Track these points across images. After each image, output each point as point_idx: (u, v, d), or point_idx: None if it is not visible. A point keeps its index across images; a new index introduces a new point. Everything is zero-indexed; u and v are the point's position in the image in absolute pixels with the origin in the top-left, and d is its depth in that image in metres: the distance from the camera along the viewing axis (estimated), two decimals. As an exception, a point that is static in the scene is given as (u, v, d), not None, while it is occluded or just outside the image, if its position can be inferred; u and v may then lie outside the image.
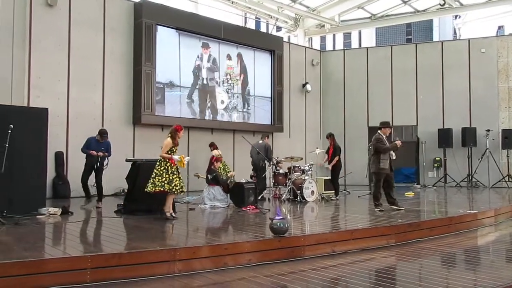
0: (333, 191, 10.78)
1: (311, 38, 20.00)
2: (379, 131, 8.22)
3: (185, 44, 13.04)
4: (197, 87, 13.25)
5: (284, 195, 9.98)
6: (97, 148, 8.61)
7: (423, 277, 4.65)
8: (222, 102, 14.04)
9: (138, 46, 11.92)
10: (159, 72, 12.30)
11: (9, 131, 6.55)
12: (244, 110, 14.57)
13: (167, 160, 6.84)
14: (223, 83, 14.08)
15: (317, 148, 12.23)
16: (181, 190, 6.91)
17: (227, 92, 14.17)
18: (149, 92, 11.85)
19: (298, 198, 9.70)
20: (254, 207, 8.17)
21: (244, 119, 14.52)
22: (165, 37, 12.51)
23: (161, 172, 6.81)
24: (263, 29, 25.14)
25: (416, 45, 16.90)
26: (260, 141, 10.63)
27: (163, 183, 6.76)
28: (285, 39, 17.28)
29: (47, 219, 6.82)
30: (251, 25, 20.62)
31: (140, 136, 11.87)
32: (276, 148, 14.68)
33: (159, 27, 12.29)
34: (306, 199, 9.71)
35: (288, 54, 16.06)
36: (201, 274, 4.46)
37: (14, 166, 6.77)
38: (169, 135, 6.98)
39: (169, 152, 6.87)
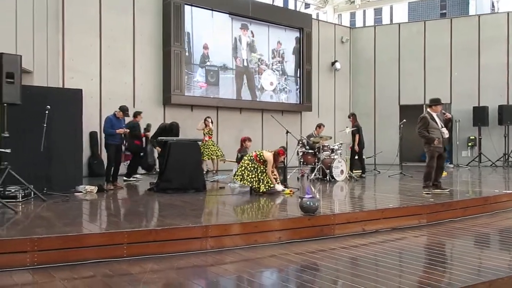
0: (360, 170, 10.90)
1: (341, 14, 19.56)
2: (428, 109, 7.60)
3: (218, 24, 13.06)
4: (234, 68, 13.35)
5: (312, 174, 9.97)
6: (119, 126, 8.21)
7: (455, 257, 4.61)
8: (272, 83, 14.20)
9: (167, 26, 11.99)
10: (213, 54, 12.79)
11: (47, 112, 6.80)
12: (281, 89, 14.61)
13: (257, 163, 7.38)
14: (271, 65, 14.28)
15: (346, 127, 12.09)
16: (267, 189, 7.40)
17: (276, 73, 14.35)
18: (178, 73, 11.96)
19: (327, 178, 9.68)
20: (283, 186, 8.21)
21: (280, 99, 14.53)
22: (199, 17, 12.55)
23: (252, 169, 7.34)
24: (291, 6, 24.74)
25: (451, 20, 16.27)
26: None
27: (252, 180, 7.35)
28: (314, 16, 16.97)
29: (84, 196, 7.09)
30: (279, 2, 20.33)
31: (170, 116, 12.04)
32: (305, 127, 14.63)
33: (188, 6, 12.31)
34: (335, 178, 9.68)
35: (317, 31, 15.79)
36: (232, 250, 4.57)
37: (52, 146, 7.05)
38: (273, 153, 7.44)
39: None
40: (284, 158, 7.93)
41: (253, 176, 7.38)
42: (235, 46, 13.40)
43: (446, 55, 15.54)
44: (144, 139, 9.83)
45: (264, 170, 7.42)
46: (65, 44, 10.58)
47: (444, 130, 7.48)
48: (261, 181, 7.42)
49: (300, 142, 10.41)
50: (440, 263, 4.27)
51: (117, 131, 8.10)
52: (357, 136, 10.82)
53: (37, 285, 3.52)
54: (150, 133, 9.77)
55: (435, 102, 7.62)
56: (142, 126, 9.89)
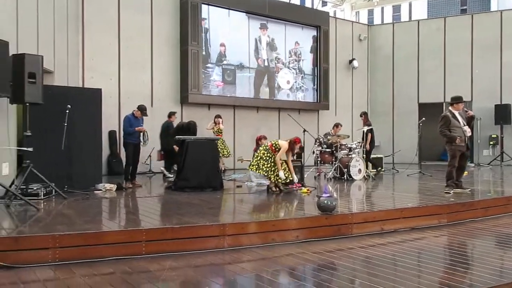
0: (375, 170, 10.92)
1: (358, 12, 19.40)
2: (450, 107, 7.47)
3: (234, 23, 13.10)
4: (251, 67, 13.42)
5: (330, 173, 9.91)
6: (137, 124, 8.28)
7: (476, 257, 4.53)
8: (288, 82, 14.20)
9: (184, 25, 12.07)
10: (229, 53, 12.86)
11: (67, 111, 6.92)
12: (298, 87, 14.57)
13: (272, 152, 7.38)
14: (288, 63, 14.29)
15: (365, 126, 11.99)
16: (278, 180, 7.45)
17: (292, 71, 14.37)
18: (195, 72, 12.03)
19: (345, 177, 9.61)
20: (301, 185, 8.19)
21: (296, 97, 14.50)
22: (215, 16, 12.61)
23: (267, 158, 7.36)
24: (308, 4, 24.61)
25: (472, 16, 15.95)
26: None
27: (268, 169, 7.36)
28: (331, 14, 16.85)
29: (104, 194, 7.19)
30: (296, 1, 20.27)
31: (187, 115, 12.12)
32: (322, 126, 14.56)
33: (205, 6, 12.37)
34: (353, 177, 9.60)
35: (334, 29, 15.68)
36: (249, 249, 4.57)
37: (72, 145, 7.17)
38: (289, 142, 7.44)
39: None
40: (300, 147, 7.82)
41: (268, 165, 7.39)
42: (256, 46, 13.44)
43: (466, 52, 15.25)
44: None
45: (269, 151, 7.40)
46: (85, 44, 10.75)
47: (466, 128, 7.34)
48: (274, 171, 7.41)
49: (317, 141, 10.36)
50: (461, 263, 4.20)
51: (136, 129, 8.18)
52: (369, 135, 10.81)
53: (58, 281, 3.59)
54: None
55: (456, 100, 7.47)
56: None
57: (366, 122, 11.18)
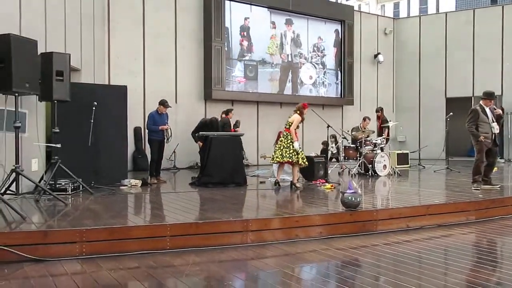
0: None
1: (384, 5, 19.10)
2: (481, 101, 7.33)
3: (257, 18, 13.09)
4: (276, 63, 13.39)
5: (354, 169, 9.80)
6: (161, 122, 8.31)
7: (505, 255, 4.40)
8: (311, 77, 14.12)
9: (207, 22, 12.12)
10: (255, 48, 12.90)
11: (94, 108, 7.06)
12: (320, 83, 14.48)
13: (289, 133, 7.42)
14: (310, 58, 14.20)
15: (390, 121, 11.80)
16: (304, 162, 7.49)
17: (315, 66, 14.27)
18: (219, 68, 12.07)
19: (370, 172, 9.49)
20: (324, 181, 8.14)
21: (319, 93, 14.40)
22: (238, 11, 12.62)
23: (288, 145, 7.38)
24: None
25: (502, 7, 15.43)
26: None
27: (291, 155, 7.34)
28: (356, 7, 16.60)
29: (129, 190, 7.31)
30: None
31: (211, 111, 12.18)
32: (346, 121, 14.40)
33: (228, 2, 12.39)
34: (378, 173, 9.47)
35: (359, 23, 15.45)
36: (273, 245, 4.57)
37: (99, 141, 7.32)
38: (298, 111, 7.52)
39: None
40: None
41: (291, 151, 7.37)
42: (281, 42, 13.40)
43: (497, 44, 14.78)
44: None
45: (287, 137, 7.42)
46: (111, 42, 10.93)
47: (495, 125, 7.20)
48: (298, 153, 7.41)
49: (332, 137, 10.32)
50: (489, 261, 4.09)
51: (160, 127, 8.25)
52: (386, 131, 10.71)
53: (85, 274, 3.67)
54: (240, 129, 10.48)
55: (488, 95, 7.36)
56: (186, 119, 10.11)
57: (383, 118, 11.01)
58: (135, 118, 10.87)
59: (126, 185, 7.56)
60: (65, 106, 6.58)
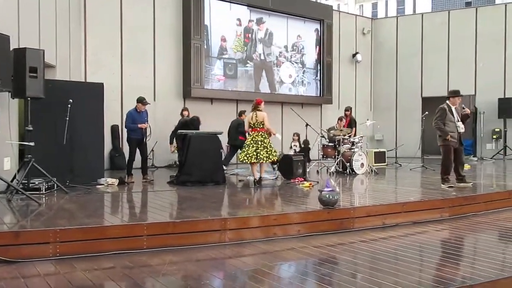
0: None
1: (362, 5, 19.33)
2: (447, 101, 7.35)
3: (239, 16, 13.04)
4: (251, 61, 13.34)
5: (332, 168, 9.89)
6: (140, 120, 8.12)
7: (477, 251, 4.51)
8: (290, 76, 14.17)
9: (187, 19, 12.02)
10: (230, 46, 12.81)
11: (69, 106, 6.92)
12: (300, 81, 14.54)
13: (266, 132, 7.71)
14: (290, 57, 14.22)
15: (367, 119, 11.98)
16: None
17: (293, 65, 14.30)
18: (198, 66, 11.99)
19: (347, 171, 9.60)
20: (303, 179, 8.18)
21: (298, 91, 14.46)
22: (217, 9, 12.55)
23: (269, 143, 7.66)
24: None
25: (476, 9, 15.80)
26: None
27: (275, 153, 7.70)
28: (335, 7, 16.73)
29: (106, 189, 7.20)
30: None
31: (190, 109, 12.05)
32: (325, 120, 14.51)
33: (206, -1, 12.32)
34: (356, 171, 9.58)
35: (337, 23, 15.58)
36: (251, 243, 4.57)
37: (74, 139, 7.18)
38: (259, 109, 7.73)
39: None
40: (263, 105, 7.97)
41: (273, 150, 7.64)
42: (252, 41, 13.33)
43: (470, 46, 15.13)
44: (247, 134, 10.31)
45: (265, 137, 7.67)
46: (87, 38, 10.72)
47: (460, 124, 7.26)
48: (270, 149, 7.65)
49: (296, 135, 10.45)
50: (462, 257, 4.19)
51: (139, 126, 8.06)
52: (354, 130, 10.94)
53: (59, 275, 3.60)
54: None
55: (454, 93, 7.39)
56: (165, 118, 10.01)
57: (351, 118, 11.23)
58: (112, 116, 10.69)
59: (103, 184, 7.44)
60: (39, 103, 6.42)
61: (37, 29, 7.76)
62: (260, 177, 7.78)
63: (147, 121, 8.33)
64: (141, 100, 8.22)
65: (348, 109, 11.64)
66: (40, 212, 5.09)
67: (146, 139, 8.29)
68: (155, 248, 4.23)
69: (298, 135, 10.60)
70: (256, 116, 7.66)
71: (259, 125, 7.63)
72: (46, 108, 6.75)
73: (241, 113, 10.79)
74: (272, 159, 7.77)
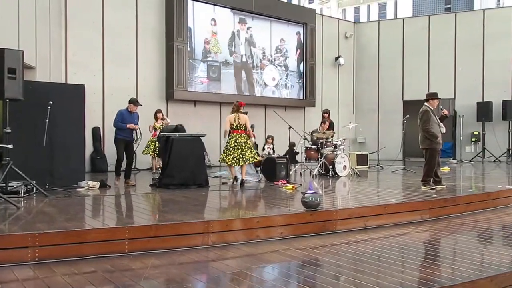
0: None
1: (345, 9, 19.54)
2: (425, 103, 7.39)
3: (220, 19, 13.02)
4: (232, 63, 13.31)
5: (315, 170, 9.95)
6: (131, 121, 8.08)
7: (457, 252, 4.58)
8: (274, 79, 14.20)
9: (170, 21, 11.96)
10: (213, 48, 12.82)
11: (49, 107, 6.80)
12: (283, 84, 14.59)
13: (247, 134, 8.00)
14: (273, 60, 14.26)
15: (350, 122, 12.09)
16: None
17: (277, 68, 14.36)
18: (181, 68, 11.94)
19: (330, 173, 9.66)
20: (286, 182, 8.21)
21: (282, 94, 14.52)
22: (200, 11, 12.52)
23: (252, 145, 7.97)
24: (295, 1, 24.62)
25: (455, 15, 16.15)
26: None
27: (253, 154, 7.93)
28: (318, 11, 16.88)
29: (87, 192, 7.09)
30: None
31: (173, 111, 12.04)
32: (308, 123, 14.60)
33: (191, 1, 12.27)
34: (338, 174, 9.66)
35: (320, 26, 15.72)
36: (234, 246, 4.56)
37: (54, 141, 7.05)
38: (242, 111, 7.99)
39: None
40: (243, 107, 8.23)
41: (255, 151, 7.92)
42: (233, 41, 13.33)
43: (450, 50, 15.44)
44: (227, 135, 10.44)
45: (247, 138, 7.93)
46: (68, 39, 10.58)
47: (442, 125, 7.39)
48: (253, 150, 7.96)
49: (270, 138, 10.56)
50: (442, 258, 4.26)
51: (128, 126, 7.97)
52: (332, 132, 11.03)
53: (38, 280, 3.52)
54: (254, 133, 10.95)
55: (432, 96, 7.46)
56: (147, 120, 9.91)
57: (330, 121, 11.15)
58: (94, 118, 10.57)
59: (84, 187, 7.32)
60: (18, 105, 6.30)
61: (16, 29, 7.61)
62: (243, 179, 7.81)
63: (137, 123, 8.28)
64: (133, 101, 8.19)
65: (326, 111, 11.67)
66: (18, 216, 4.98)
67: (135, 141, 8.22)
68: (137, 252, 4.18)
69: (272, 138, 10.62)
70: (238, 118, 7.82)
71: (242, 127, 7.83)
72: (25, 110, 6.62)
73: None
74: (257, 158, 8.01)
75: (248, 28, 13.61)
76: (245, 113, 8.28)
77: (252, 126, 11.27)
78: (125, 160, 8.26)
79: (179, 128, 8.81)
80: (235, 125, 7.81)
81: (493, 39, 14.93)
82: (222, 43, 13.04)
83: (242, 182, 7.78)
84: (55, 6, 9.95)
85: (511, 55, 14.71)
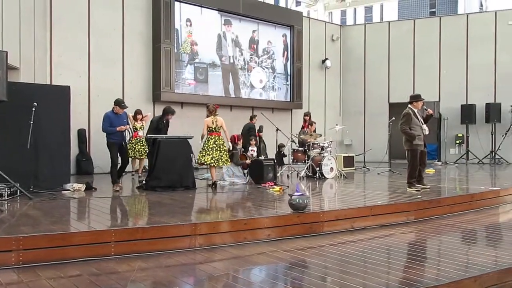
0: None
1: (331, 12, 19.67)
2: (409, 105, 7.48)
3: (207, 20, 13.00)
4: (219, 64, 13.29)
5: (302, 172, 9.99)
6: (119, 122, 7.66)
7: (442, 253, 4.65)
8: (261, 81, 14.23)
9: (156, 23, 11.91)
10: (201, 50, 12.85)
11: (33, 109, 6.71)
12: (270, 86, 14.62)
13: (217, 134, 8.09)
14: (260, 62, 14.28)
15: (336, 124, 12.18)
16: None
17: (264, 70, 14.40)
18: (168, 70, 11.89)
19: (317, 175, 9.71)
20: (273, 184, 8.23)
21: (269, 96, 14.54)
22: (188, 13, 12.48)
23: (226, 148, 8.19)
24: (282, 4, 24.71)
25: (440, 18, 16.39)
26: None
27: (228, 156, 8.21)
28: (305, 14, 16.97)
29: (72, 194, 7.01)
30: (270, 0, 20.32)
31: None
32: (295, 125, 14.65)
33: (178, 3, 12.24)
34: (325, 175, 9.71)
35: (307, 29, 15.81)
36: (221, 248, 4.55)
37: (39, 143, 6.97)
38: (216, 113, 8.13)
39: None
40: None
41: (227, 154, 8.12)
42: (220, 43, 13.33)
43: (435, 53, 15.67)
44: (258, 138, 10.87)
45: (224, 141, 8.11)
46: (53, 40, 10.45)
47: (425, 127, 7.45)
48: (227, 153, 8.15)
49: (253, 140, 10.60)
50: (427, 259, 4.31)
51: (118, 129, 7.60)
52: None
53: (22, 284, 3.47)
54: (262, 134, 11.30)
55: (416, 98, 7.55)
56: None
57: (309, 122, 11.19)
58: (79, 120, 10.47)
59: (69, 190, 7.24)
60: (2, 106, 6.22)
61: (0, 30, 7.50)
62: (215, 181, 8.07)
63: (128, 123, 7.98)
64: (119, 103, 7.74)
65: (307, 114, 11.76)
66: (2, 219, 4.90)
67: (129, 141, 8.06)
68: (123, 255, 4.15)
69: (256, 139, 10.63)
70: (216, 121, 8.02)
71: (219, 129, 8.03)
72: (9, 112, 6.54)
73: (252, 118, 11.19)
74: (228, 163, 8.33)
75: (234, 30, 13.61)
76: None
77: (261, 127, 11.38)
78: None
79: (166, 109, 8.85)
80: (213, 127, 7.98)
81: (476, 42, 15.20)
82: (207, 45, 12.99)
83: (215, 183, 7.99)
84: (39, 7, 9.83)
85: (494, 58, 14.99)
